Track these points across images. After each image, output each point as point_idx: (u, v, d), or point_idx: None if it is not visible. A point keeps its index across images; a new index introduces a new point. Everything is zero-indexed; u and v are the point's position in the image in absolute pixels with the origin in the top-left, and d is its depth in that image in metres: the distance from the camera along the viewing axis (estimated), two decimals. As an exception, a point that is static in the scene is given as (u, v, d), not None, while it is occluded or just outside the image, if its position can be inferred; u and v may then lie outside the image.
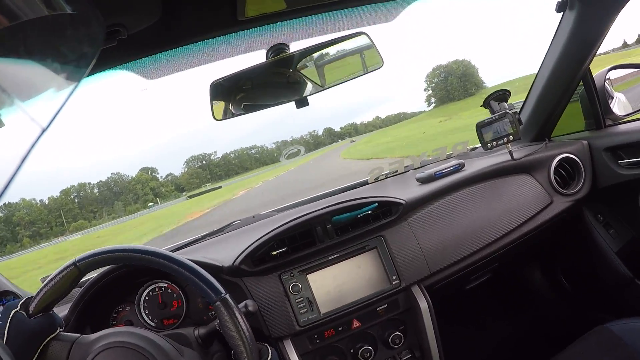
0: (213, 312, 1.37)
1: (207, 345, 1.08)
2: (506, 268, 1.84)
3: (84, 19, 0.58)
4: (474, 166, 1.65)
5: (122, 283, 1.34)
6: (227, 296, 0.93)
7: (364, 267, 1.36)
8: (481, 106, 1.73)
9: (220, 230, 1.75)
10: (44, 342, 0.89)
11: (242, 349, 0.92)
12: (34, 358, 0.88)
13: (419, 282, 1.40)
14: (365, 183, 1.91)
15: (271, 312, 1.30)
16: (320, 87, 1.22)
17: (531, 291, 2.01)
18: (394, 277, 1.37)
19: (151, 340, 0.92)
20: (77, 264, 0.93)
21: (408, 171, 1.91)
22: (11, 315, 0.88)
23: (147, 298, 1.37)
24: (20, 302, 0.91)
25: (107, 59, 1.13)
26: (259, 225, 1.70)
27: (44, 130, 0.38)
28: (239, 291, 1.31)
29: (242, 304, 1.06)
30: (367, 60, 1.23)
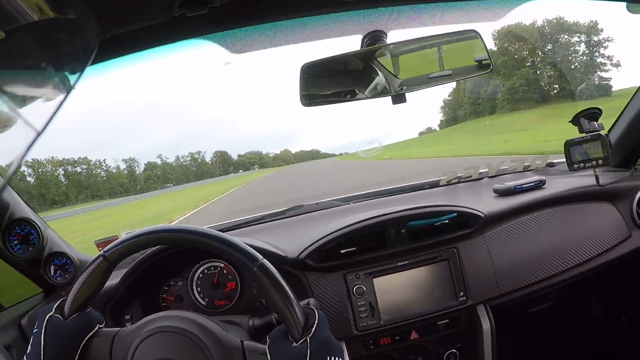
0: (265, 300, 1.33)
1: (259, 336, 1.04)
2: (570, 296, 1.73)
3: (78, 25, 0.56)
4: (555, 185, 1.54)
5: (177, 258, 1.31)
6: (265, 261, 0.87)
7: (433, 278, 1.29)
8: (569, 122, 1.61)
9: (282, 214, 1.70)
10: (83, 342, 0.86)
11: (286, 313, 0.84)
12: (76, 358, 0.85)
13: (485, 301, 1.32)
14: (435, 184, 1.82)
15: (330, 313, 1.24)
16: (420, 84, 1.13)
17: (589, 322, 1.90)
18: (461, 294, 1.29)
19: (195, 321, 0.88)
20: (105, 254, 0.89)
21: (482, 178, 1.81)
22: (46, 320, 0.85)
23: (200, 276, 1.34)
24: (55, 306, 0.88)
25: (195, 27, 1.08)
26: (322, 215, 1.64)
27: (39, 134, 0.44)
28: (300, 285, 1.26)
29: (305, 301, 1.01)
30: (473, 61, 1.13)
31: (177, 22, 0.99)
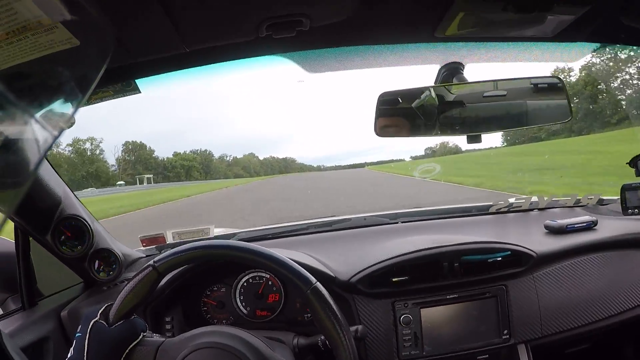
0: (309, 315, 1.34)
1: (303, 356, 1.05)
2: (609, 341, 1.72)
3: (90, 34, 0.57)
4: (608, 228, 1.51)
5: (223, 265, 1.32)
6: (318, 285, 0.88)
7: (479, 314, 1.28)
8: (627, 163, 1.57)
9: (328, 225, 1.69)
10: (127, 350, 0.87)
11: (337, 340, 0.86)
12: None
13: (527, 341, 1.32)
14: (484, 209, 1.79)
15: (374, 339, 1.24)
16: (498, 127, 1.11)
17: None
18: (505, 332, 1.29)
19: (242, 339, 0.88)
20: (156, 265, 0.89)
21: (532, 209, 1.78)
22: (91, 325, 0.85)
23: (245, 284, 1.34)
24: (100, 311, 0.88)
25: (278, 46, 1.07)
26: (370, 233, 1.62)
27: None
28: (347, 308, 1.26)
29: (354, 328, 1.01)
30: (553, 108, 1.11)
31: (262, 42, 0.99)
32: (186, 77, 1.15)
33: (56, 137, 0.51)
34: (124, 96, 1.19)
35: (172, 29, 0.88)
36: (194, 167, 66.92)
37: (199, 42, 0.99)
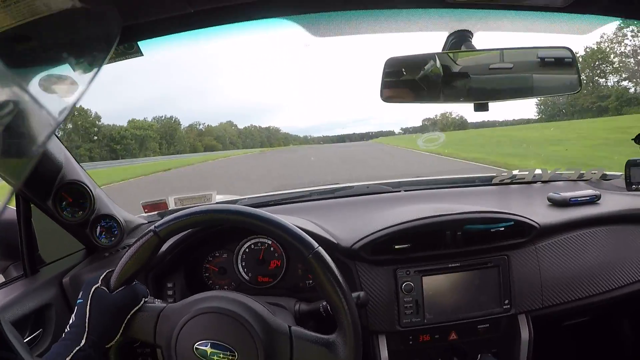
0: (311, 282, 1.35)
1: (304, 322, 1.05)
2: (606, 315, 1.74)
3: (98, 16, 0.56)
4: (610, 202, 1.52)
5: (225, 231, 1.33)
6: (320, 249, 0.88)
7: (481, 283, 1.29)
8: (632, 139, 1.57)
9: (331, 192, 1.69)
10: (129, 316, 0.87)
11: (338, 304, 0.86)
12: (120, 332, 0.86)
13: (527, 312, 1.33)
14: (487, 180, 1.80)
15: (376, 306, 1.25)
16: (504, 97, 1.10)
17: (619, 343, 1.91)
18: (506, 301, 1.29)
19: (244, 303, 0.88)
20: (157, 230, 0.88)
21: (536, 182, 1.78)
22: (92, 291, 0.85)
23: (247, 250, 1.35)
24: (101, 277, 0.88)
25: (279, 7, 1.05)
26: (373, 201, 1.63)
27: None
28: (349, 274, 1.27)
29: (355, 294, 1.02)
30: (562, 78, 1.09)
31: (270, 2, 0.97)
32: (189, 39, 1.13)
33: (70, 109, 0.50)
34: (126, 59, 1.17)
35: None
36: (149, 136, 54.38)
37: (205, 2, 0.97)
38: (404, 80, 1.10)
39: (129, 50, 1.14)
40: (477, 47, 1.13)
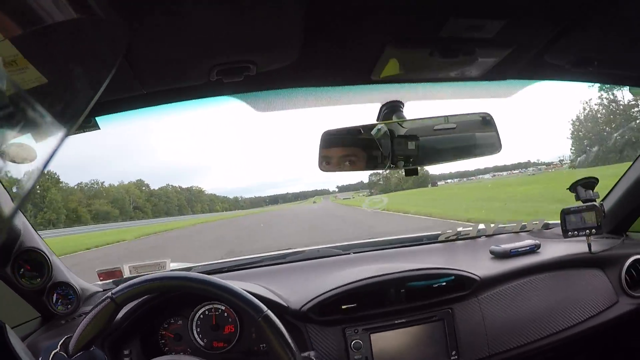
0: (265, 346, 1.37)
1: None
2: (558, 358, 1.79)
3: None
4: (550, 250, 1.61)
5: (180, 298, 1.34)
6: (269, 313, 0.92)
7: (427, 337, 1.34)
8: (567, 189, 1.68)
9: (282, 258, 1.74)
10: None
11: None
12: None
13: None
14: (434, 238, 1.87)
15: None
16: (431, 161, 1.20)
17: None
18: (453, 353, 1.34)
19: None
20: (113, 297, 0.92)
21: (480, 237, 1.87)
22: (51, 356, 0.89)
23: (201, 316, 1.36)
24: (60, 343, 0.91)
25: (227, 89, 1.15)
26: (323, 264, 1.68)
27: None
28: (300, 336, 1.30)
29: (306, 353, 1.05)
30: (483, 141, 1.20)
31: (213, 85, 1.06)
32: (143, 115, 1.21)
33: (35, 180, 0.49)
34: (84, 132, 1.24)
35: (130, 73, 0.95)
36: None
37: (155, 85, 1.06)
38: (340, 150, 1.19)
39: (86, 124, 1.21)
40: (410, 115, 1.24)
